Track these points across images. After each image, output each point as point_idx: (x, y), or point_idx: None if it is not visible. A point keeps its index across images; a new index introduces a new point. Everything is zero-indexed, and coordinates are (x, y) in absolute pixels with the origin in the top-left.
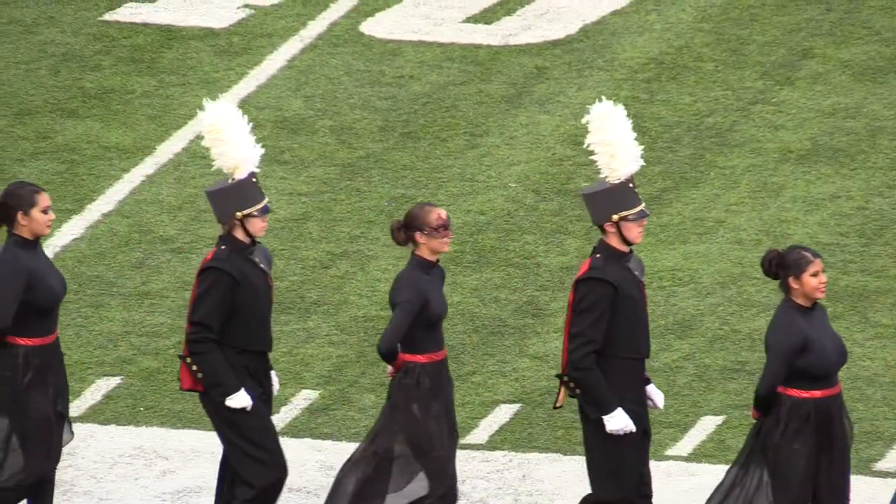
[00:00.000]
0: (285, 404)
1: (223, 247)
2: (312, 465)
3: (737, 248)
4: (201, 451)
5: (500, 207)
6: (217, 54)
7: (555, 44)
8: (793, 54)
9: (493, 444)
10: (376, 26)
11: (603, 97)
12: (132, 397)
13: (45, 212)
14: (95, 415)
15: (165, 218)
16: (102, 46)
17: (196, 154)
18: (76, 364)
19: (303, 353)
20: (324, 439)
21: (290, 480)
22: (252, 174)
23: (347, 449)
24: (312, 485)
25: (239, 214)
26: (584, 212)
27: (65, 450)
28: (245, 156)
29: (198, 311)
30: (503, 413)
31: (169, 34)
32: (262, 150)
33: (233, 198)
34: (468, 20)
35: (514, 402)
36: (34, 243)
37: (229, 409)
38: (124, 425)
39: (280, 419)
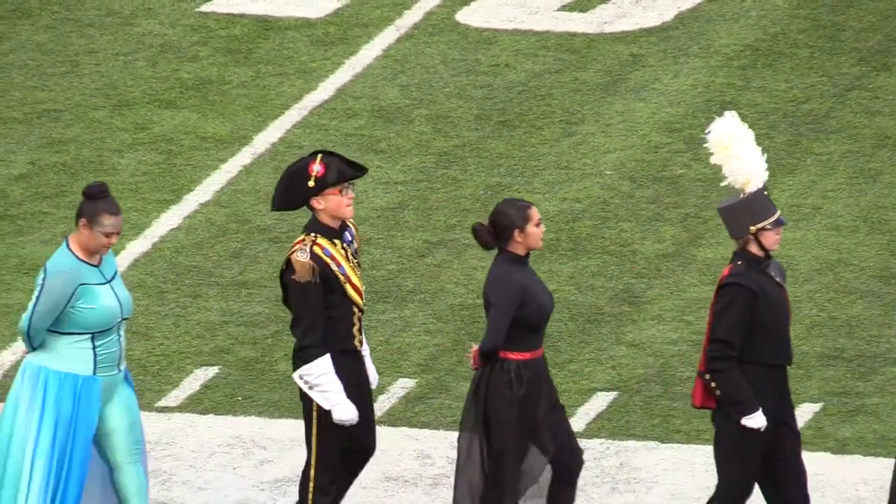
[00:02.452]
0: (383, 393)
1: (739, 262)
2: (410, 454)
3: (834, 235)
4: (299, 440)
5: (596, 195)
6: (313, 44)
7: (650, 31)
8: (889, 40)
9: (590, 432)
10: (472, 15)
11: (726, 117)
12: (230, 387)
13: (537, 225)
14: (194, 404)
15: (262, 208)
16: (200, 37)
17: (293, 144)
18: (174, 354)
19: (399, 341)
20: (420, 428)
21: (387, 469)
22: (763, 187)
23: (444, 437)
24: (409, 473)
25: (752, 228)
26: (679, 199)
27: (163, 439)
28: (755, 169)
29: (719, 327)
30: (600, 401)
31: (266, 25)
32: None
33: (745, 212)
34: (563, 8)
35: (610, 390)
36: (525, 259)
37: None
38: (222, 415)
39: (377, 408)
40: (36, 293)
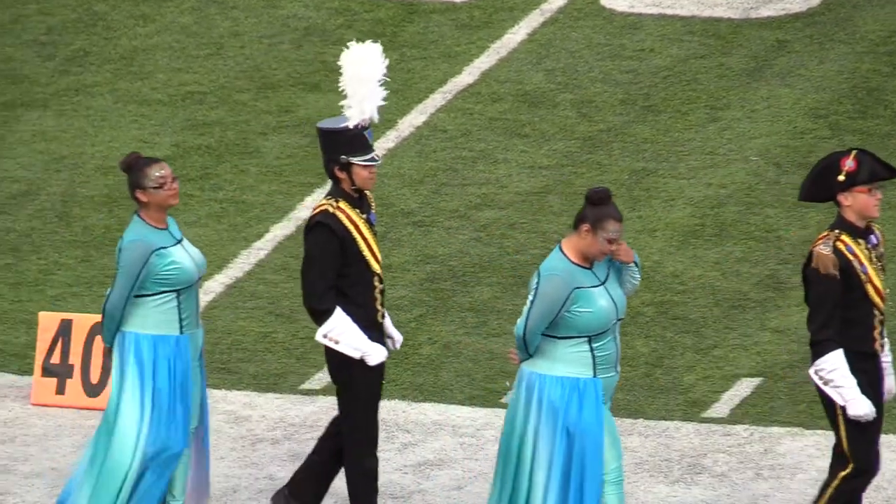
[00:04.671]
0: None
1: None
2: None
3: None
4: (442, 424)
5: (741, 181)
6: (458, 28)
7: (796, 17)
8: None
9: (734, 418)
10: (617, 0)
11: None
12: None
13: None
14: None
15: (407, 191)
16: (344, 20)
17: (437, 128)
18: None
19: None
20: None
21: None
22: None
23: None
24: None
25: None
26: None
27: (307, 422)
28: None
29: None
30: (744, 387)
31: (410, 8)
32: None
33: None
34: None
35: (755, 376)
36: None
37: None
38: None
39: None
40: (531, 297)
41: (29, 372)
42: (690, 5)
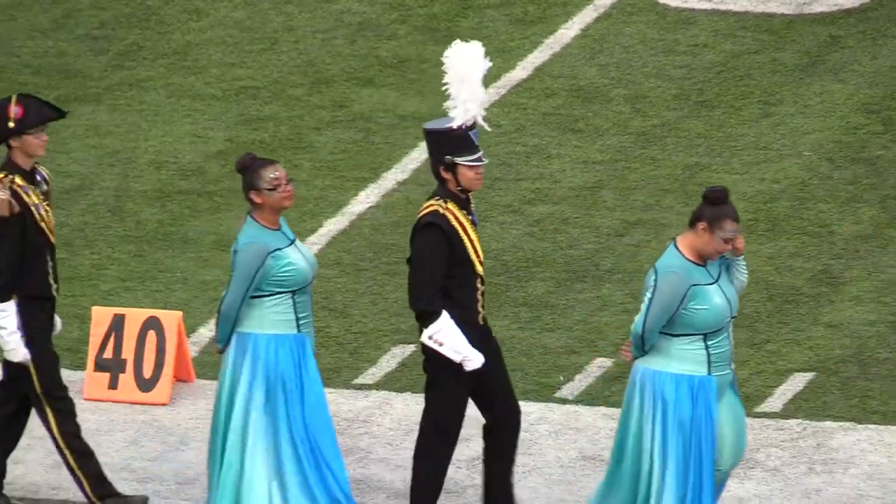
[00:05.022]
0: (580, 372)
1: None
2: (607, 433)
3: None
4: None
5: (794, 176)
6: (512, 23)
7: (849, 12)
8: None
9: (787, 412)
10: None
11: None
12: None
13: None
14: (391, 382)
15: None
16: (399, 15)
17: (491, 122)
18: (371, 332)
19: (597, 320)
20: (618, 407)
21: (584, 447)
22: None
23: None
24: (607, 453)
25: None
26: (877, 180)
27: (360, 417)
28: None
29: None
30: (797, 381)
31: (465, 3)
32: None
33: None
34: None
35: (808, 370)
36: None
37: None
38: (419, 393)
39: (574, 387)
40: (648, 295)
41: (82, 367)
42: (744, 1)
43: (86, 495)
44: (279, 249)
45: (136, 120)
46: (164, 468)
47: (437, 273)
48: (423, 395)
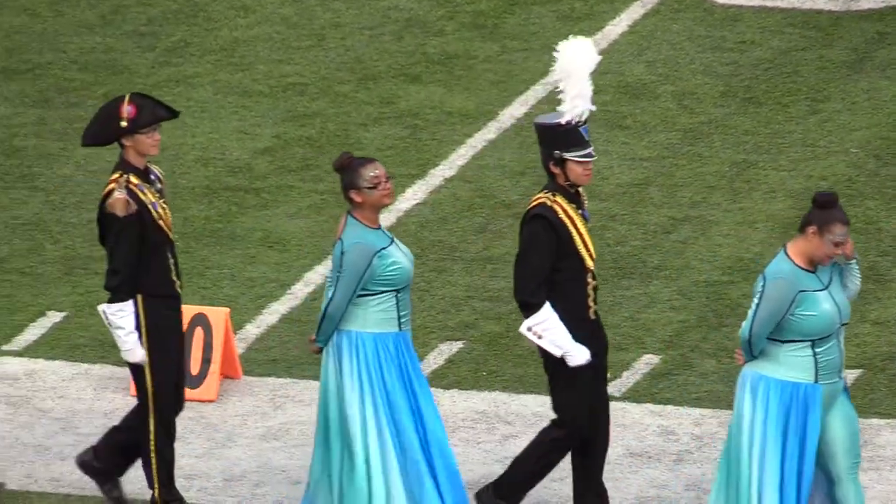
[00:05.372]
0: (627, 369)
1: None
2: (654, 430)
3: None
4: (543, 415)
5: (842, 173)
6: (559, 19)
7: None
8: None
9: None
10: None
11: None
12: (475, 362)
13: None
14: (438, 379)
15: (507, 183)
16: (445, 12)
17: None
18: (419, 329)
19: (644, 317)
20: (665, 404)
21: (631, 445)
22: None
23: (688, 413)
24: (653, 449)
25: None
26: None
27: None
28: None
29: None
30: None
31: (512, 0)
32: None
33: None
34: None
35: (855, 367)
36: None
37: None
38: (466, 390)
39: (622, 384)
40: (756, 300)
41: None
42: None
43: (153, 499)
44: (384, 249)
45: (183, 116)
46: (210, 465)
47: (542, 265)
48: (470, 392)
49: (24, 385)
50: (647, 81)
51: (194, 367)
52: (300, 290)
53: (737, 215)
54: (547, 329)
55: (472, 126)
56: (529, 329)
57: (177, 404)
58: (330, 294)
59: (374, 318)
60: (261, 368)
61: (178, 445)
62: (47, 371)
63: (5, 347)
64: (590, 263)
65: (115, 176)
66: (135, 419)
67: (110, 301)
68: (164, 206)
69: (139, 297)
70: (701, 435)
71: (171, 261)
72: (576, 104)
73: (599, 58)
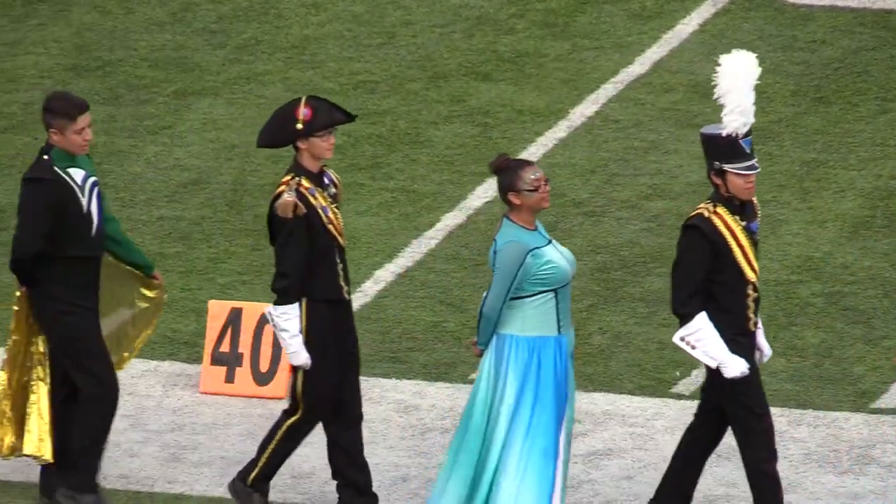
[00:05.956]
0: (696, 367)
1: None
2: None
3: None
4: (612, 414)
5: None
6: (630, 18)
7: None
8: None
9: None
10: None
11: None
12: None
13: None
14: None
15: (578, 181)
16: (516, 10)
17: (608, 118)
18: None
19: None
20: None
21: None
22: None
23: None
24: (723, 447)
25: None
26: None
27: None
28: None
29: None
30: None
31: None
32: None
33: None
34: None
35: None
36: None
37: None
38: None
39: (690, 382)
40: None
41: (198, 360)
42: None
43: (244, 473)
44: (538, 248)
45: (253, 114)
46: None
47: (694, 276)
48: None
49: None
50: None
51: (264, 364)
52: (370, 288)
53: (806, 214)
54: (700, 339)
55: (542, 124)
56: (682, 339)
57: (337, 416)
58: (485, 295)
59: (532, 320)
60: None
61: (247, 443)
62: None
63: None
64: (750, 275)
65: (287, 178)
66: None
67: (276, 303)
68: (336, 210)
69: (304, 301)
70: None
71: (340, 266)
72: (735, 118)
73: (759, 70)
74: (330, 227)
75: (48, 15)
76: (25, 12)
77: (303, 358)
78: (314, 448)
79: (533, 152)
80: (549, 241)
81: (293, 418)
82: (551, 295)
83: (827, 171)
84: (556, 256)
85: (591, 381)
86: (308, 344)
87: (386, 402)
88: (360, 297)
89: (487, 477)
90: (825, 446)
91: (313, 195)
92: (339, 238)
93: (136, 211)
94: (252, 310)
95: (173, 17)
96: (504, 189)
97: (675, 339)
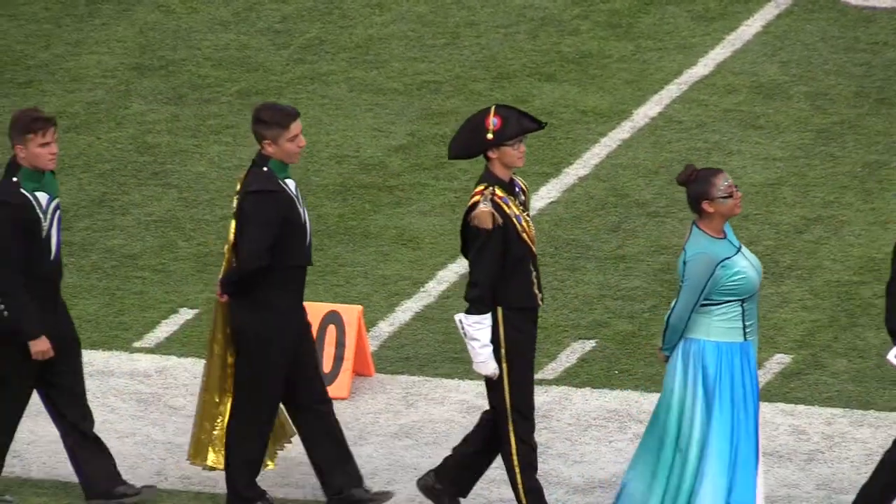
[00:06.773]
0: (759, 368)
1: None
2: (784, 429)
3: None
4: None
5: None
6: (693, 19)
7: None
8: None
9: None
10: None
11: None
12: (607, 360)
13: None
14: (570, 377)
15: (641, 182)
16: (581, 11)
17: (672, 119)
18: (552, 327)
19: (776, 317)
20: (796, 403)
21: (763, 444)
22: None
23: (819, 413)
24: (784, 449)
25: None
26: None
27: (540, 412)
28: None
29: None
30: None
31: None
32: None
33: None
34: None
35: None
36: None
37: None
38: (598, 388)
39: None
40: None
41: None
42: None
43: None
44: (728, 259)
45: (317, 114)
46: None
47: None
48: (602, 391)
49: (155, 382)
50: (780, 82)
51: (327, 365)
52: (433, 288)
53: (868, 215)
54: None
55: (606, 125)
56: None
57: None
58: (673, 304)
59: (718, 327)
60: (393, 366)
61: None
62: (179, 368)
63: (137, 344)
64: None
65: (481, 188)
66: (480, 437)
67: (468, 312)
68: (528, 218)
69: (499, 310)
70: (832, 434)
71: (534, 273)
72: None
73: None
74: (524, 235)
75: (111, 14)
76: (89, 11)
77: (491, 368)
78: (377, 448)
79: (596, 153)
80: (739, 249)
81: (514, 446)
82: (738, 304)
83: (889, 172)
84: (746, 266)
85: (653, 381)
86: (506, 352)
87: (449, 402)
88: (423, 298)
89: (686, 486)
90: (887, 446)
91: (507, 204)
92: (532, 246)
93: (199, 211)
94: (314, 310)
95: (237, 17)
96: (696, 199)
97: (890, 356)
